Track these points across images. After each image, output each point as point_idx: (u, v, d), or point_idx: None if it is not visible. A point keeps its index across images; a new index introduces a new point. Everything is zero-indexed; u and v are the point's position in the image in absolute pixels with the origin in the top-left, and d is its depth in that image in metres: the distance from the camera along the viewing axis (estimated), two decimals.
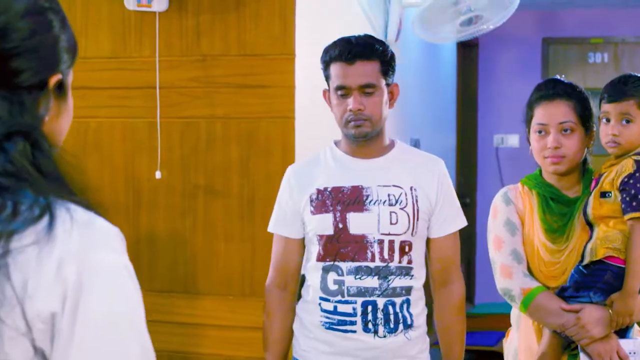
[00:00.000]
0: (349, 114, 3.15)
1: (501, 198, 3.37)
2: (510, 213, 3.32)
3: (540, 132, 3.25)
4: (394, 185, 3.20)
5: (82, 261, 1.38)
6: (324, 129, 4.34)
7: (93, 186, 1.53)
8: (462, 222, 3.33)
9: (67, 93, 1.57)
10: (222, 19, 4.15)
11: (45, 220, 1.38)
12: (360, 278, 3.15)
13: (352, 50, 3.15)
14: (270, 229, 3.35)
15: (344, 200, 3.19)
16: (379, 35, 4.97)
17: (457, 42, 7.96)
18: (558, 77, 3.38)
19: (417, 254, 3.23)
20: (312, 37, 4.22)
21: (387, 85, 3.21)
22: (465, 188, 8.74)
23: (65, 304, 1.36)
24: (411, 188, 3.21)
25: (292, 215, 3.28)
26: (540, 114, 3.26)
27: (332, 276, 3.19)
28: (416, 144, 6.22)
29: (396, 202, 3.18)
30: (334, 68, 3.18)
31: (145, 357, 1.45)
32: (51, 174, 1.44)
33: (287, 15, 4.06)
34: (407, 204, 3.18)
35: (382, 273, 3.15)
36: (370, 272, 3.15)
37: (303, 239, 3.30)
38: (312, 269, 3.26)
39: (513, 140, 8.88)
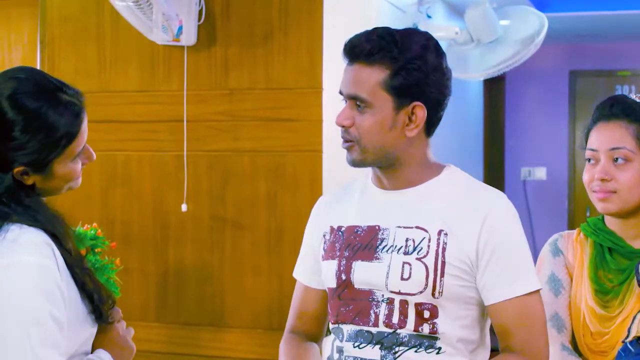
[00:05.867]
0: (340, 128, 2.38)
1: (549, 247, 2.65)
2: (557, 267, 2.60)
3: (590, 159, 2.54)
4: (416, 227, 2.32)
5: None
6: None
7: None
8: (529, 285, 2.30)
9: (50, 171, 2.16)
10: (250, 53, 4.16)
11: None
12: (359, 347, 2.34)
13: (354, 46, 2.35)
14: (294, 272, 2.65)
15: (355, 244, 2.38)
16: None
17: None
18: (627, 94, 2.69)
19: (452, 323, 2.31)
20: (339, 71, 4.22)
21: (401, 103, 2.30)
22: None
23: None
24: (440, 232, 2.30)
25: (313, 259, 2.54)
26: (593, 137, 2.54)
27: (336, 342, 2.41)
28: None
29: (413, 249, 2.30)
30: None
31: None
32: (14, 208, 2.10)
33: (315, 49, 4.07)
34: (427, 253, 2.29)
35: (387, 342, 2.31)
36: (370, 339, 2.33)
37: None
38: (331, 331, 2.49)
39: (540, 173, 8.83)
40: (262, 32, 4.16)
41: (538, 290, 2.33)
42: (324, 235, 2.48)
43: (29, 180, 2.16)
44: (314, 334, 2.56)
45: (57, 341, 2.02)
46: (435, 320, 2.29)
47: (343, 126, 2.35)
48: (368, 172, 2.47)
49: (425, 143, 2.40)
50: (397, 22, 5.09)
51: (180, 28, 4.07)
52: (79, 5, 4.44)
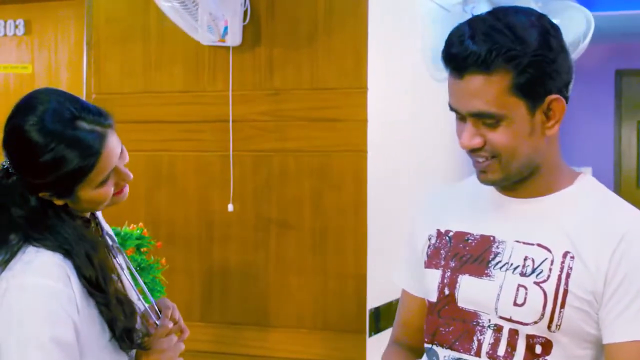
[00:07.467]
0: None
1: None
2: None
3: None
4: (538, 245, 1.99)
5: (8, 281, 2.08)
6: (397, 162, 4.34)
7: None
8: None
9: (76, 197, 2.18)
10: (295, 53, 4.16)
11: (8, 257, 2.11)
12: None
13: (460, 54, 1.94)
14: (394, 276, 2.37)
15: (464, 254, 2.08)
16: None
17: None
18: None
19: None
20: (384, 71, 4.22)
21: (535, 104, 1.97)
22: None
23: None
24: (565, 254, 1.96)
25: (414, 262, 2.24)
26: None
27: None
28: None
29: (532, 271, 1.97)
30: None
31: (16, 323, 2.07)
32: (37, 230, 2.15)
33: (360, 49, 4.06)
34: (548, 277, 1.95)
35: None
36: None
37: None
38: None
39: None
40: (306, 32, 4.16)
41: None
42: (429, 239, 2.19)
43: (59, 201, 2.21)
44: (420, 347, 2.21)
45: None
46: (547, 357, 1.96)
47: (473, 148, 1.99)
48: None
49: (557, 139, 2.11)
50: (442, 22, 5.07)
51: (226, 28, 4.08)
52: (125, 6, 4.46)
